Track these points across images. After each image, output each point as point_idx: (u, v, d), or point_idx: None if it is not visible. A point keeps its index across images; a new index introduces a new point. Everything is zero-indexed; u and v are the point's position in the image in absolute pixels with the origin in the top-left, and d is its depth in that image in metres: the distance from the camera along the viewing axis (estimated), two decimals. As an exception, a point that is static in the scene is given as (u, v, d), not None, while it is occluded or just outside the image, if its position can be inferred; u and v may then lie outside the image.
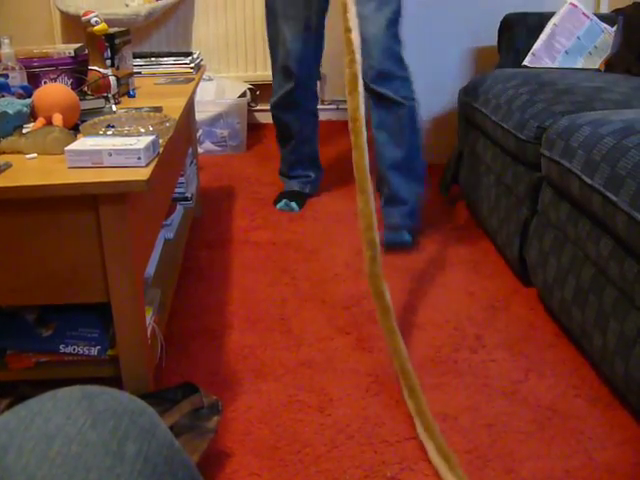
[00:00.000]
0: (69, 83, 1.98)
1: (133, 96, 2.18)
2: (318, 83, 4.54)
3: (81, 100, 1.77)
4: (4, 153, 1.47)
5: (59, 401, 0.54)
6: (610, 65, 2.70)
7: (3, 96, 1.69)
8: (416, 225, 2.54)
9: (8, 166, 1.37)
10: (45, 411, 0.53)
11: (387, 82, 2.44)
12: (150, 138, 1.41)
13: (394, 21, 2.42)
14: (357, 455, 1.45)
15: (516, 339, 1.90)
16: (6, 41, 1.84)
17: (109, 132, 1.51)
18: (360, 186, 1.76)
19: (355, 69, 1.69)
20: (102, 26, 2.01)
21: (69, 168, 1.35)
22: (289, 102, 2.86)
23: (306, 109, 2.98)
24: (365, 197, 1.74)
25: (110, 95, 1.95)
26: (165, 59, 2.75)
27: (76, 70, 1.99)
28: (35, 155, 1.45)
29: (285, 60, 2.76)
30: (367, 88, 2.35)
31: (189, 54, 2.78)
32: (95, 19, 2.00)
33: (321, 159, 3.13)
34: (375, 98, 2.47)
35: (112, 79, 2.01)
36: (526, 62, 2.85)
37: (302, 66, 2.82)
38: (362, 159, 1.71)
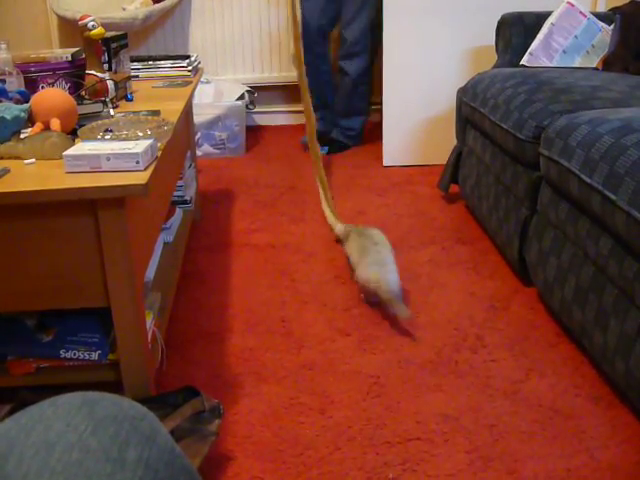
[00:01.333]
0: (67, 87, 1.98)
1: (131, 100, 2.18)
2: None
3: (79, 104, 1.77)
4: (2, 159, 1.47)
5: (59, 408, 0.54)
6: (608, 64, 2.70)
7: (0, 101, 1.69)
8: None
9: (6, 172, 1.37)
10: (45, 418, 0.53)
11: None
12: (148, 142, 1.41)
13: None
14: (359, 457, 1.45)
15: (517, 339, 1.90)
16: (3, 46, 1.84)
17: (107, 136, 1.51)
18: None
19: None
20: (99, 30, 2.02)
21: (67, 173, 1.35)
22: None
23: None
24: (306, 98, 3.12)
25: (108, 99, 1.95)
26: (162, 62, 2.75)
27: (73, 74, 1.99)
28: (33, 160, 1.45)
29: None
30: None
31: (187, 57, 2.78)
32: (92, 23, 2.00)
33: (321, 160, 3.10)
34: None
35: (110, 83, 2.01)
36: (524, 61, 2.85)
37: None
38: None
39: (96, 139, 1.49)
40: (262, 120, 4.74)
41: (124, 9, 4.14)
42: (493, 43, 3.10)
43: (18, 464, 0.49)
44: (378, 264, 2.06)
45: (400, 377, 1.74)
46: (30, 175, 1.37)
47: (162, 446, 0.55)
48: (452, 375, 1.74)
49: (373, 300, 2.08)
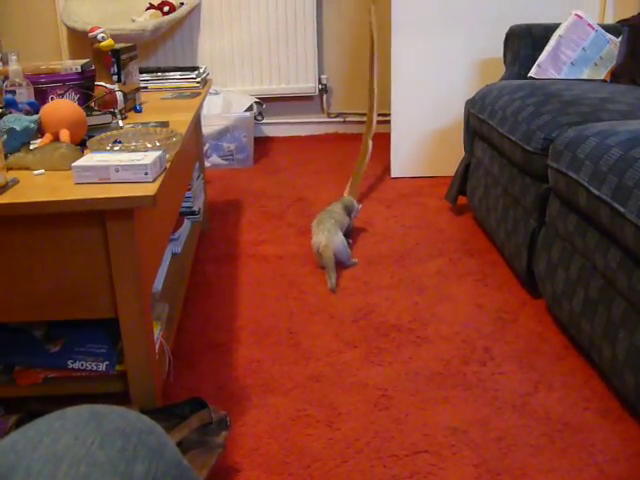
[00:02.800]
0: (76, 99, 1.99)
1: (140, 111, 2.19)
2: (324, 96, 4.59)
3: (88, 116, 1.77)
4: (11, 169, 1.47)
5: (67, 421, 0.54)
6: (616, 76, 2.69)
7: (10, 112, 1.70)
8: None
9: (15, 182, 1.38)
10: (53, 431, 0.53)
11: None
12: (157, 153, 1.41)
13: None
14: (366, 470, 1.44)
15: (525, 351, 1.89)
16: (13, 57, 1.84)
17: (116, 148, 1.52)
18: None
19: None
20: (109, 42, 2.03)
21: (76, 184, 1.35)
22: None
23: None
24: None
25: (117, 110, 1.96)
26: (171, 74, 2.76)
27: (83, 86, 2.00)
28: (42, 171, 1.45)
29: None
30: None
31: (195, 68, 2.79)
32: (102, 35, 2.01)
33: (327, 172, 3.12)
34: None
35: (119, 94, 2.02)
36: (532, 73, 2.85)
37: None
38: None
39: (105, 150, 1.50)
40: (270, 131, 4.75)
41: (134, 20, 4.16)
42: (501, 55, 3.10)
43: (25, 477, 0.49)
44: (323, 231, 2.46)
45: (408, 389, 1.73)
46: (39, 186, 1.37)
47: (170, 460, 0.55)
48: (460, 387, 1.74)
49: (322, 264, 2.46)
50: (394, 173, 3.63)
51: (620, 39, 2.76)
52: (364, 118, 4.70)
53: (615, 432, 1.55)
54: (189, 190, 2.58)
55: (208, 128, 3.82)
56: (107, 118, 1.88)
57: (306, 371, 1.82)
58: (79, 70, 2.01)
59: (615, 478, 1.40)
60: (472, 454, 1.49)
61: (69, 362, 1.53)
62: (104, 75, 2.04)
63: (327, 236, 2.42)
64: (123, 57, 2.15)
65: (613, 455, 1.47)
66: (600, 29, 2.85)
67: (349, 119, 4.73)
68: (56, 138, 1.60)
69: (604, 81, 2.73)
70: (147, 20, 4.10)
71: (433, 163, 3.60)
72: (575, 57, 2.82)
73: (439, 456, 1.48)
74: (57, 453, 0.50)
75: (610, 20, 3.36)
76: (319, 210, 3.08)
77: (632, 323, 1.52)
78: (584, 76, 2.82)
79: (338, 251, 2.43)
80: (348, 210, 2.69)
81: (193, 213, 2.61)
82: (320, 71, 4.61)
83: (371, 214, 3.05)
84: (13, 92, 1.82)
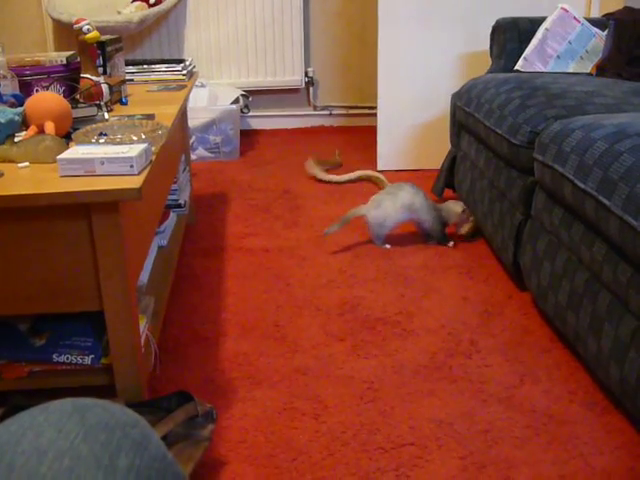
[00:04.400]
0: (61, 91, 1.98)
1: (125, 104, 2.18)
2: (310, 89, 4.58)
3: (73, 108, 1.76)
4: (-4, 162, 1.46)
5: (50, 415, 0.53)
6: (601, 69, 2.70)
7: (-5, 105, 1.69)
8: None
9: (0, 175, 1.37)
10: (36, 425, 0.52)
11: None
12: (142, 146, 1.41)
13: None
14: (353, 462, 1.45)
15: (511, 344, 1.90)
16: (-2, 49, 1.83)
17: (101, 140, 1.51)
18: None
19: None
20: (94, 34, 2.01)
21: (61, 177, 1.34)
22: None
23: None
24: None
25: (102, 103, 1.95)
26: (157, 66, 2.74)
27: (68, 78, 1.98)
28: (27, 164, 1.44)
29: None
30: None
31: (181, 61, 2.78)
32: (87, 27, 2.00)
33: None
34: None
35: (104, 87, 2.01)
36: (518, 67, 2.86)
37: None
38: None
39: (90, 143, 1.49)
40: (257, 124, 4.74)
41: (119, 12, 4.14)
42: (488, 48, 3.11)
43: (8, 472, 0.49)
44: (374, 201, 2.61)
45: (394, 382, 1.73)
46: (24, 179, 1.36)
47: (154, 453, 0.55)
48: (446, 380, 1.74)
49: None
50: (380, 166, 3.63)
51: (606, 33, 2.77)
52: (350, 111, 4.71)
53: (600, 424, 1.56)
54: (175, 183, 2.57)
55: (194, 121, 3.81)
56: (92, 110, 1.87)
57: (292, 364, 1.82)
58: (64, 62, 2.00)
59: (600, 470, 1.41)
60: (458, 446, 1.49)
61: (54, 356, 1.52)
62: (89, 67, 2.03)
63: (369, 206, 2.59)
64: (109, 49, 2.14)
65: (598, 447, 1.48)
66: (586, 23, 2.86)
67: (335, 112, 4.73)
68: (41, 130, 1.58)
69: (590, 74, 2.74)
70: (133, 12, 4.07)
71: (419, 156, 3.60)
72: (561, 50, 2.83)
73: (425, 448, 1.49)
74: (40, 447, 0.50)
75: (596, 14, 3.37)
76: (306, 203, 3.08)
77: (617, 316, 1.53)
78: (570, 69, 2.82)
79: (369, 225, 2.61)
80: (437, 212, 2.60)
81: (179, 206, 2.61)
82: (306, 64, 4.61)
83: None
84: (-3, 84, 1.81)
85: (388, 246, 2.60)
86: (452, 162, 2.96)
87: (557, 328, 1.94)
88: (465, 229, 2.64)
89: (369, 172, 3.43)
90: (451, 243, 2.60)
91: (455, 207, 2.61)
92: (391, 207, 2.55)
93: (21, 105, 1.70)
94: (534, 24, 2.91)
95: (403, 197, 2.55)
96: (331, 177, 3.45)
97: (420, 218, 2.58)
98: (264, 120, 4.73)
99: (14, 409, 1.40)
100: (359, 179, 3.43)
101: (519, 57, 2.88)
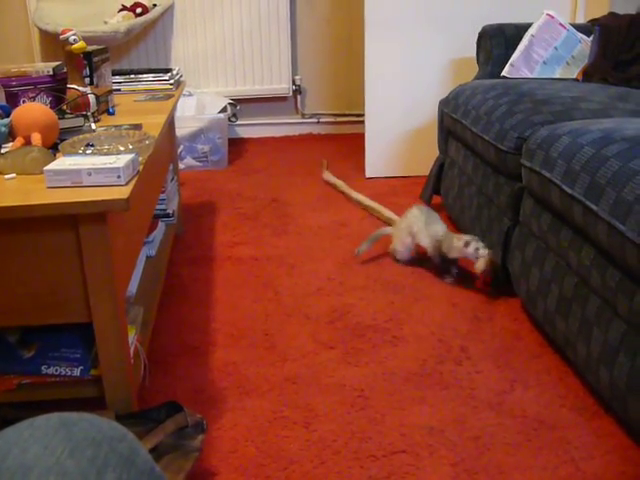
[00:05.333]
0: (48, 102, 1.97)
1: (112, 114, 2.18)
2: (298, 97, 4.59)
3: (60, 119, 1.76)
4: (-18, 174, 1.46)
5: (36, 430, 0.53)
6: (587, 74, 2.72)
7: (-19, 116, 1.68)
8: None
9: (-14, 187, 1.36)
10: (22, 441, 0.52)
11: None
12: (130, 156, 1.40)
13: None
14: (344, 471, 1.44)
15: (501, 350, 1.90)
16: (-17, 61, 1.83)
17: (88, 151, 1.50)
18: None
19: None
20: (80, 44, 2.01)
21: (48, 188, 1.34)
22: None
23: None
24: None
25: (89, 113, 1.95)
26: (144, 76, 2.74)
27: (55, 89, 1.98)
28: (14, 175, 1.44)
29: None
30: None
31: (168, 70, 2.77)
32: (73, 37, 2.00)
33: (302, 172, 3.12)
34: None
35: (91, 97, 2.00)
36: (505, 73, 2.87)
37: None
38: None
39: (77, 154, 1.49)
40: (244, 132, 4.74)
41: (106, 22, 4.14)
42: (474, 54, 3.12)
43: None
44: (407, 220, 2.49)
45: (384, 390, 1.73)
46: (10, 190, 1.36)
47: (141, 467, 0.54)
48: (436, 387, 1.74)
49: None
50: (368, 173, 3.63)
51: (591, 38, 2.78)
52: (338, 119, 4.72)
53: (591, 429, 1.56)
54: (163, 192, 2.57)
55: (182, 130, 3.81)
56: (79, 121, 1.87)
57: (282, 373, 1.82)
58: (51, 73, 2.00)
59: (591, 474, 1.41)
60: (449, 453, 1.49)
61: (43, 367, 1.52)
62: (76, 78, 2.03)
63: (400, 222, 2.53)
64: (95, 59, 2.13)
65: (589, 451, 1.48)
66: (571, 28, 2.87)
67: (323, 120, 4.73)
68: (28, 142, 1.58)
69: (576, 80, 2.75)
70: (119, 22, 4.07)
71: (407, 163, 3.61)
72: (547, 56, 2.84)
73: (416, 456, 1.48)
74: (26, 463, 0.50)
75: (581, 19, 3.39)
76: (294, 211, 3.08)
77: (606, 320, 1.53)
78: (556, 75, 2.84)
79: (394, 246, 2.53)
80: (437, 243, 2.38)
81: (167, 215, 2.60)
82: (294, 72, 4.61)
83: (345, 215, 3.05)
84: (-17, 95, 1.80)
85: (401, 258, 2.52)
86: (440, 169, 2.97)
87: (547, 333, 1.94)
88: (480, 266, 2.24)
89: (384, 211, 3.03)
90: (448, 279, 2.37)
91: (457, 241, 2.28)
92: (397, 233, 2.51)
93: (8, 116, 1.70)
94: (520, 30, 2.92)
95: (406, 220, 2.48)
96: (352, 193, 3.31)
97: (420, 243, 2.45)
98: (252, 128, 4.73)
99: (3, 422, 1.39)
100: (369, 209, 3.14)
101: (505, 63, 2.89)
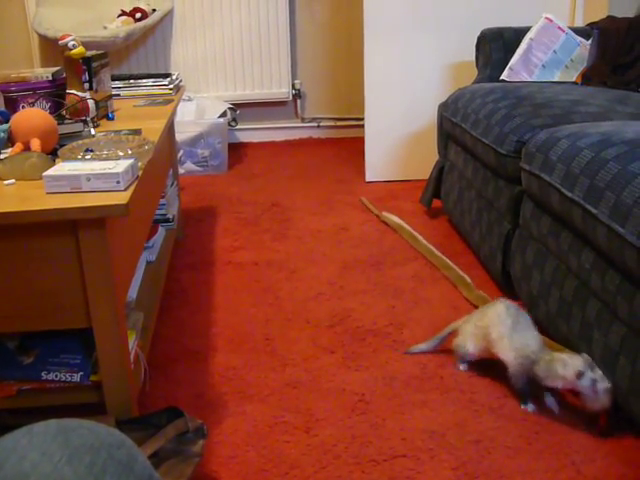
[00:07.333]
0: (47, 107, 1.97)
1: (112, 119, 2.18)
2: (298, 102, 4.59)
3: (59, 124, 1.76)
4: (-18, 180, 1.46)
5: (34, 437, 0.53)
6: (586, 78, 2.72)
7: (-20, 122, 1.68)
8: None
9: (-14, 193, 1.36)
10: (20, 448, 0.52)
11: None
12: (129, 162, 1.40)
13: None
14: (345, 475, 1.44)
15: (501, 353, 1.90)
16: (-18, 67, 1.83)
17: (87, 156, 1.50)
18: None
19: None
20: (79, 50, 2.01)
21: (47, 193, 1.34)
22: None
23: None
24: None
25: (89, 118, 1.95)
26: (144, 81, 2.74)
27: (54, 94, 1.98)
28: (13, 181, 1.44)
29: None
30: None
31: (168, 75, 2.78)
32: (72, 43, 2.00)
33: (302, 177, 3.12)
34: None
35: (90, 102, 2.01)
36: (504, 76, 2.87)
37: None
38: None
39: (76, 159, 1.49)
40: (244, 137, 4.74)
41: (105, 27, 4.14)
42: (473, 58, 3.12)
43: None
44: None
45: (385, 394, 1.73)
46: (10, 196, 1.36)
47: (139, 474, 0.54)
48: (437, 391, 1.74)
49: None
50: (368, 177, 3.63)
51: (590, 41, 2.79)
52: (338, 123, 4.72)
53: (591, 432, 1.55)
54: (163, 197, 2.57)
55: (182, 135, 3.81)
56: (79, 126, 1.87)
57: (283, 377, 1.82)
58: (50, 78, 2.00)
59: (592, 477, 1.41)
60: (450, 457, 1.49)
61: (43, 373, 1.52)
62: (75, 83, 2.03)
63: (477, 316, 1.82)
64: (94, 65, 2.13)
65: (589, 455, 1.48)
66: (570, 32, 2.88)
67: (323, 124, 4.73)
68: (27, 147, 1.58)
69: (575, 83, 2.76)
70: (119, 27, 4.08)
71: (407, 167, 3.61)
72: (546, 60, 2.84)
73: (417, 460, 1.48)
74: (24, 470, 0.49)
75: (580, 23, 3.39)
76: (294, 216, 3.08)
77: (606, 323, 1.53)
78: (555, 78, 2.84)
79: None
80: (524, 359, 1.66)
81: (167, 220, 2.60)
82: (293, 76, 4.61)
83: (346, 219, 3.05)
84: (-17, 101, 1.81)
85: (462, 367, 1.85)
86: (440, 172, 2.97)
87: (548, 336, 1.93)
88: (598, 405, 1.53)
89: (456, 269, 2.45)
90: (530, 406, 1.67)
91: (562, 366, 1.57)
92: (468, 329, 1.82)
93: (7, 122, 1.70)
94: (519, 34, 2.92)
95: (485, 317, 1.78)
96: (419, 239, 2.73)
97: (498, 355, 1.73)
98: (252, 133, 4.73)
99: (2, 429, 1.39)
100: (438, 263, 2.53)
101: (505, 67, 2.89)
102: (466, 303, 2.20)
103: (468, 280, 2.30)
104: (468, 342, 1.80)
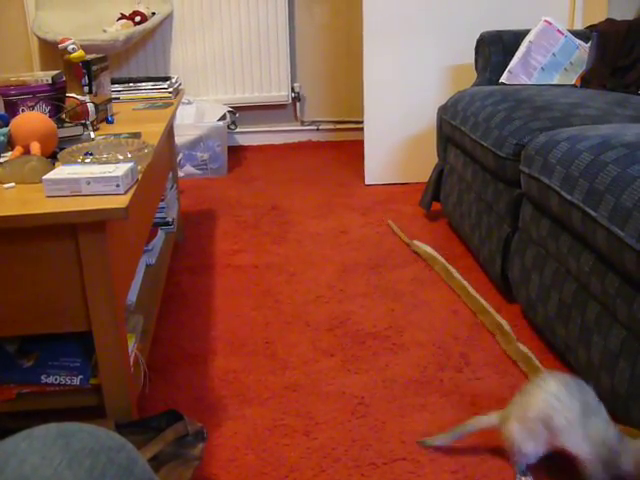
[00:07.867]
0: (47, 111, 1.97)
1: (111, 122, 2.18)
2: (297, 105, 4.60)
3: (59, 128, 1.76)
4: (-19, 183, 1.46)
5: (34, 441, 0.53)
6: (585, 81, 2.72)
7: (-20, 126, 1.68)
8: None
9: (-15, 196, 1.36)
10: (20, 452, 0.52)
11: None
12: (128, 165, 1.40)
13: None
14: (345, 478, 1.44)
15: (501, 356, 1.90)
16: (-18, 70, 1.83)
17: (87, 160, 1.50)
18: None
19: None
20: (79, 53, 2.01)
21: (47, 197, 1.34)
22: None
23: None
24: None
25: (88, 122, 1.95)
26: (143, 84, 2.74)
27: (54, 97, 1.98)
28: (13, 184, 1.44)
29: None
30: None
31: (167, 78, 2.78)
32: (72, 46, 2.00)
33: (301, 180, 3.12)
34: None
35: (90, 106, 2.01)
36: (503, 79, 2.87)
37: None
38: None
39: (76, 163, 1.49)
40: (244, 140, 4.74)
41: (105, 31, 4.14)
42: (473, 61, 3.12)
43: None
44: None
45: (385, 397, 1.73)
46: (9, 199, 1.36)
47: (139, 477, 0.54)
48: (437, 394, 1.74)
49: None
50: (368, 180, 3.63)
51: (589, 44, 2.79)
52: (337, 126, 4.72)
53: None
54: (162, 200, 2.57)
55: (181, 138, 3.81)
56: (78, 130, 1.87)
57: (282, 381, 1.82)
58: (50, 82, 2.00)
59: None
60: (450, 460, 1.49)
61: (43, 377, 1.51)
62: (75, 86, 2.03)
63: (522, 402, 1.42)
64: (94, 68, 2.14)
65: (589, 458, 1.48)
66: (569, 35, 2.88)
67: (322, 127, 4.74)
68: (26, 151, 1.58)
69: (574, 86, 2.76)
70: (118, 30, 4.08)
71: (407, 170, 3.61)
72: (545, 62, 2.85)
73: (417, 463, 1.48)
74: (24, 474, 0.49)
75: (579, 26, 3.40)
76: (294, 219, 3.08)
77: (606, 326, 1.53)
78: (555, 81, 2.84)
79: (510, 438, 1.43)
80: (606, 448, 1.31)
81: (167, 224, 2.60)
82: (293, 79, 4.62)
83: (345, 222, 3.06)
84: (-18, 105, 1.81)
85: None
86: (439, 175, 2.97)
87: (547, 339, 1.94)
88: None
89: (491, 311, 2.15)
90: None
91: None
92: (525, 418, 1.40)
93: (6, 125, 1.70)
94: (518, 37, 2.93)
95: (539, 402, 1.37)
96: (455, 274, 2.43)
97: (567, 446, 1.35)
98: (251, 136, 4.74)
99: (2, 432, 1.39)
100: (472, 303, 2.24)
101: (504, 70, 2.89)
102: (465, 306, 2.20)
103: (507, 328, 2.02)
104: (526, 441, 1.39)
